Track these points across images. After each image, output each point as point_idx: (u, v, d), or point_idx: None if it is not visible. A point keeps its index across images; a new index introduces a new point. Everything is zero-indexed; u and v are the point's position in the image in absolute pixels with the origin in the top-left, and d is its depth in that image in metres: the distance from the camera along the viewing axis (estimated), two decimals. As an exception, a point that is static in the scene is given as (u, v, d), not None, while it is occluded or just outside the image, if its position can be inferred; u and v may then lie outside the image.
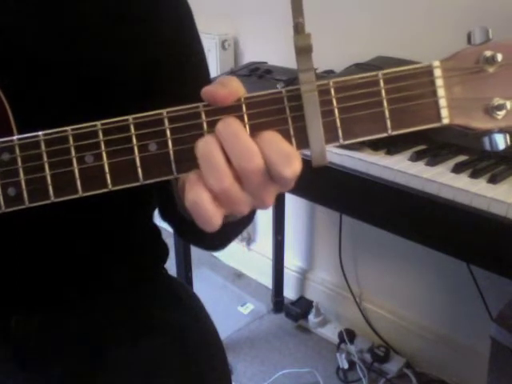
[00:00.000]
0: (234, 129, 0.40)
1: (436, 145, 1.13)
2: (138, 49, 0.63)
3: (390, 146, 1.13)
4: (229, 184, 0.40)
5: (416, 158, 1.09)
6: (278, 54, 1.68)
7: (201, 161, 0.40)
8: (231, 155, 0.40)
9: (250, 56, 1.85)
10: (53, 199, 0.43)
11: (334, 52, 1.45)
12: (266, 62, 1.69)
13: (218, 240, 0.68)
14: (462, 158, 1.10)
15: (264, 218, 2.02)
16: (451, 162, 1.07)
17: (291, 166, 0.39)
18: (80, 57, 0.62)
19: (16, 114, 0.49)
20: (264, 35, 1.80)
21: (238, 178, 0.40)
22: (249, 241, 2.20)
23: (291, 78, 1.44)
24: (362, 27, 1.56)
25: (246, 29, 1.87)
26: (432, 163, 1.06)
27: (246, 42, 1.89)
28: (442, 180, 1.00)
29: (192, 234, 0.67)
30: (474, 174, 1.01)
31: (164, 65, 0.65)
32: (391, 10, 1.48)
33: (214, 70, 1.81)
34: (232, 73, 1.63)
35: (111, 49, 0.63)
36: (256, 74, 1.57)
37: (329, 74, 1.52)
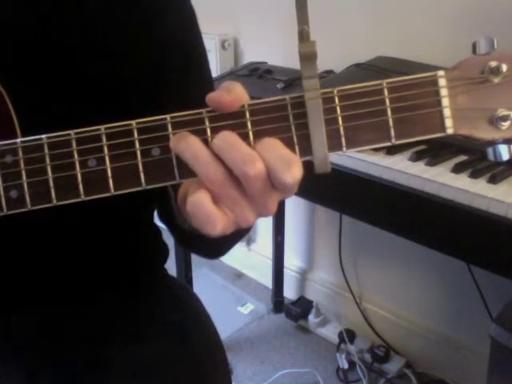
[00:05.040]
0: (230, 140, 0.40)
1: (436, 145, 1.13)
2: (141, 48, 0.63)
3: (390, 146, 1.13)
4: (219, 172, 0.40)
5: (416, 158, 1.09)
6: (278, 54, 1.68)
7: (187, 159, 0.41)
8: (232, 164, 0.40)
9: (249, 56, 1.85)
10: (55, 202, 0.43)
11: (334, 52, 1.44)
12: (265, 62, 1.69)
13: (217, 248, 0.69)
14: (462, 158, 1.10)
15: (264, 219, 2.01)
16: (451, 162, 1.07)
17: (291, 171, 0.40)
18: (82, 56, 0.62)
19: (19, 116, 0.49)
20: (264, 35, 1.80)
21: (240, 183, 0.40)
22: (249, 241, 2.20)
23: (291, 78, 1.44)
24: (362, 27, 1.56)
25: (246, 29, 1.87)
26: (432, 163, 1.06)
27: (246, 42, 1.89)
28: (442, 180, 1.00)
29: (191, 243, 0.67)
30: (474, 174, 1.01)
31: (167, 65, 0.65)
32: (391, 10, 1.48)
33: (214, 70, 1.81)
34: (232, 73, 1.63)
35: (113, 48, 0.63)
36: (256, 74, 1.57)
37: (329, 73, 1.52)
